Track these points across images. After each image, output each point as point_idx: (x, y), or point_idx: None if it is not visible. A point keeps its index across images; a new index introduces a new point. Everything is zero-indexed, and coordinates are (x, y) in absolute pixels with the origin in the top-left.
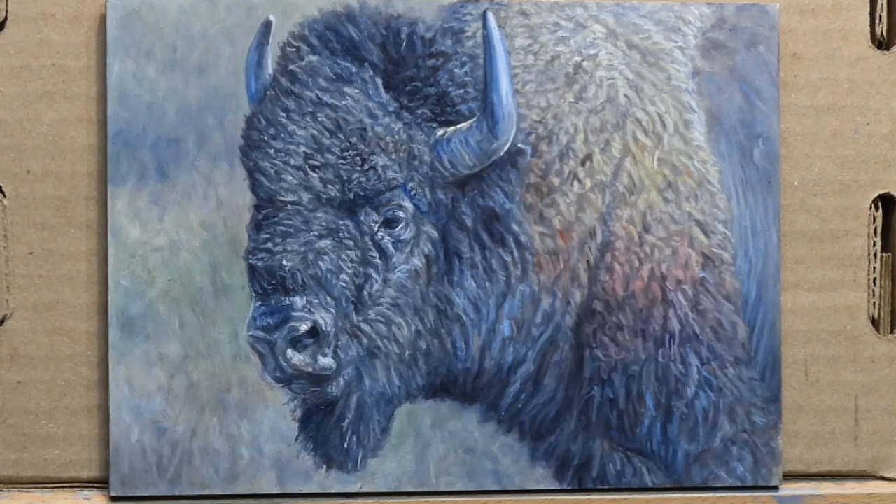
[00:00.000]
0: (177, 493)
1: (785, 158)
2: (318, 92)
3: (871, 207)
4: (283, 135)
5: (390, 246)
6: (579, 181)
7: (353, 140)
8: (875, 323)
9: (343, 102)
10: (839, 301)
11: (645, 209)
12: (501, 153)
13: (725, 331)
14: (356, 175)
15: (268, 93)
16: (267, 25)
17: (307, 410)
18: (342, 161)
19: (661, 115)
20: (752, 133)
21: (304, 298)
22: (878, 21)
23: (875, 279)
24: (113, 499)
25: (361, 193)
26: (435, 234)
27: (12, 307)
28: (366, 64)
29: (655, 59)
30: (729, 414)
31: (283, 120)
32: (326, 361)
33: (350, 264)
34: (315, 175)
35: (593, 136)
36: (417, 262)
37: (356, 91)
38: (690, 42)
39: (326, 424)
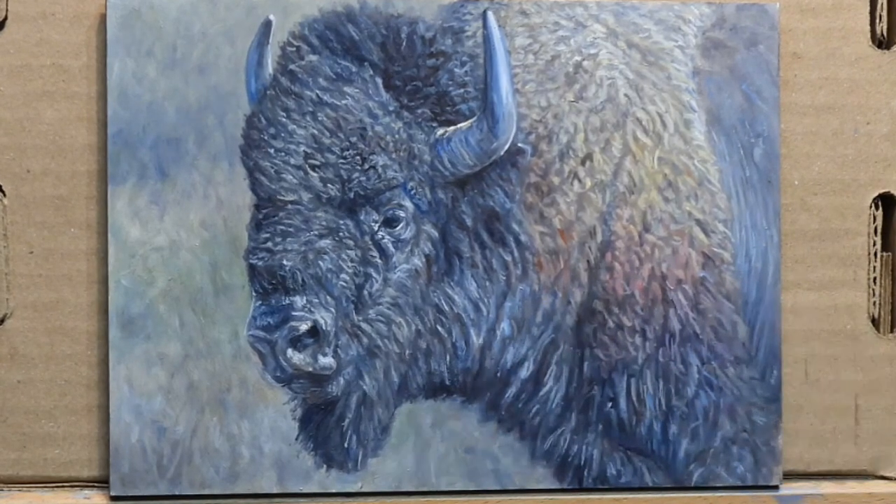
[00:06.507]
0: (177, 493)
1: (785, 158)
2: (318, 91)
3: (871, 207)
4: (283, 134)
5: (390, 245)
6: (579, 181)
7: (354, 139)
8: (875, 322)
9: (343, 102)
10: (839, 300)
11: (645, 209)
12: (501, 153)
13: (726, 330)
14: (356, 174)
15: (268, 92)
16: (267, 25)
17: (307, 410)
18: (342, 160)
19: (662, 114)
20: (752, 132)
21: (305, 298)
22: (878, 20)
23: (875, 278)
24: (113, 498)
25: (361, 193)
26: (435, 233)
27: (12, 306)
28: (366, 63)
29: (655, 58)
30: (729, 413)
31: (284, 119)
32: (326, 361)
33: (350, 264)
34: (315, 174)
35: (593, 135)
36: (417, 261)
37: (356, 90)
38: (690, 41)
39: (327, 424)
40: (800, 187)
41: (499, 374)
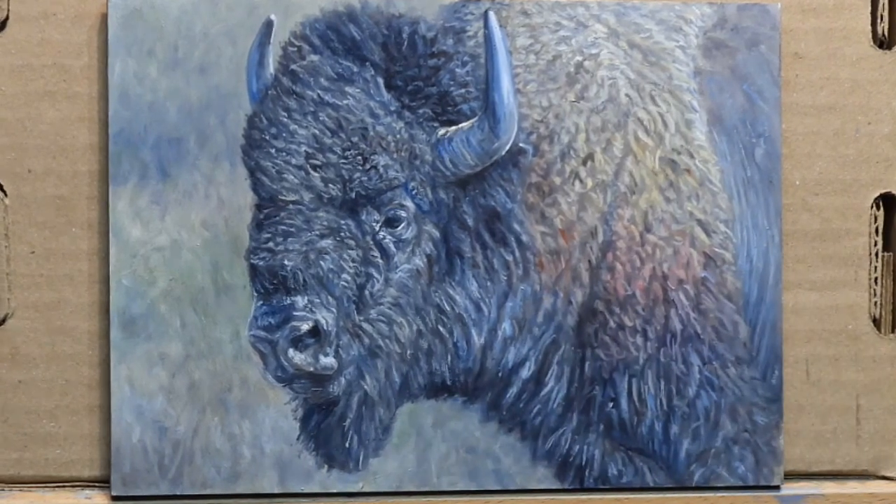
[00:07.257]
0: (178, 493)
1: (786, 158)
2: (319, 91)
3: (872, 207)
4: (284, 134)
5: (392, 245)
6: (581, 181)
7: (355, 139)
8: (876, 322)
9: (344, 102)
10: (840, 300)
11: (646, 209)
12: (503, 153)
13: (727, 330)
14: (358, 174)
15: (269, 92)
16: (268, 25)
17: (309, 410)
18: (344, 160)
19: (663, 114)
20: (753, 132)
21: (306, 298)
22: (879, 20)
23: (876, 278)
24: (114, 498)
25: (363, 193)
26: (436, 233)
27: (13, 306)
28: (367, 63)
29: (657, 58)
30: (730, 413)
31: (285, 119)
32: (328, 361)
33: (351, 264)
34: (316, 174)
35: (595, 135)
36: (419, 261)
37: (358, 90)
38: (692, 41)
39: (328, 424)
40: (801, 187)
41: (500, 374)
